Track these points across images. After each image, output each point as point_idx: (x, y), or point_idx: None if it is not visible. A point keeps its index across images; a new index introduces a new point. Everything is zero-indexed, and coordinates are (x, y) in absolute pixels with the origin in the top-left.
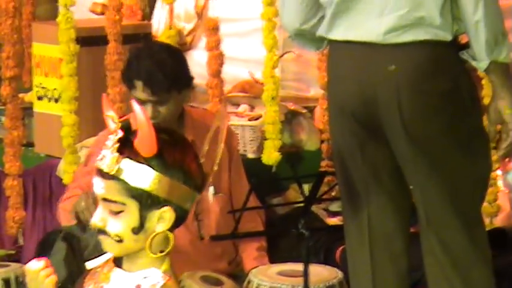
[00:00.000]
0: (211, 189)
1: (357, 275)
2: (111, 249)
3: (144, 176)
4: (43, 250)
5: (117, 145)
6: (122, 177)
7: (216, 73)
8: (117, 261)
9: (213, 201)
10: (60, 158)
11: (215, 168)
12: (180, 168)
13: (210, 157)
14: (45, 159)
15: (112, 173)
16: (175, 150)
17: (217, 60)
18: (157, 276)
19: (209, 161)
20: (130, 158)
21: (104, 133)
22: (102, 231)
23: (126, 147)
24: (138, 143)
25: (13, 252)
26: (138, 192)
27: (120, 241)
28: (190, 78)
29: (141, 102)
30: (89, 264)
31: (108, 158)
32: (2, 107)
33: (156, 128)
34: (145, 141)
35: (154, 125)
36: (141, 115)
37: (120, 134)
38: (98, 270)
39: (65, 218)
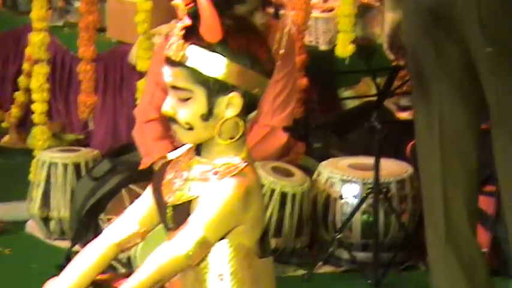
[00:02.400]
0: None
1: (427, 171)
2: (184, 138)
3: (210, 62)
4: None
5: (183, 32)
6: (188, 63)
7: None
8: (198, 151)
9: None
10: (131, 44)
11: (281, 52)
12: (247, 53)
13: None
14: (116, 45)
15: (178, 59)
16: (241, 36)
17: None
18: (235, 162)
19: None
20: (196, 45)
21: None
22: (173, 120)
23: (192, 34)
24: (202, 28)
25: (82, 137)
26: (205, 78)
27: (191, 129)
28: None
29: None
30: (169, 155)
31: (174, 45)
32: None
33: (221, 14)
34: (209, 26)
35: (219, 12)
36: (203, 0)
37: (187, 21)
38: (179, 160)
39: (148, 147)
